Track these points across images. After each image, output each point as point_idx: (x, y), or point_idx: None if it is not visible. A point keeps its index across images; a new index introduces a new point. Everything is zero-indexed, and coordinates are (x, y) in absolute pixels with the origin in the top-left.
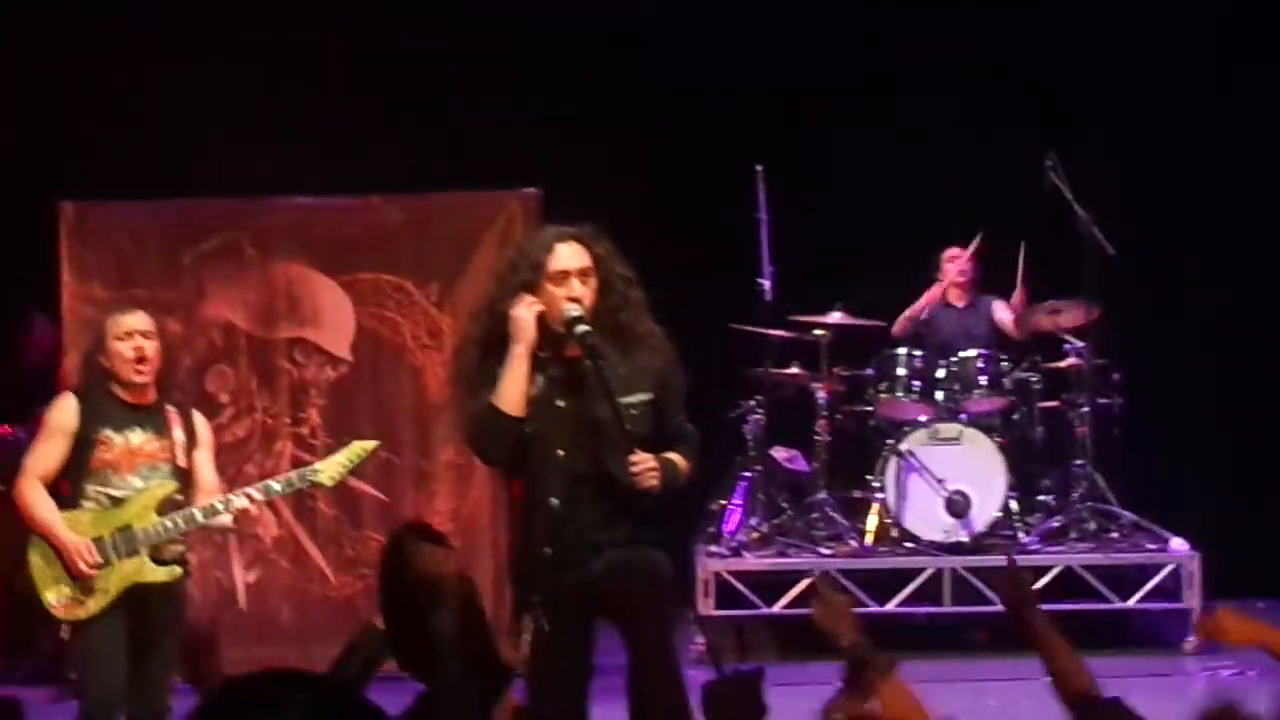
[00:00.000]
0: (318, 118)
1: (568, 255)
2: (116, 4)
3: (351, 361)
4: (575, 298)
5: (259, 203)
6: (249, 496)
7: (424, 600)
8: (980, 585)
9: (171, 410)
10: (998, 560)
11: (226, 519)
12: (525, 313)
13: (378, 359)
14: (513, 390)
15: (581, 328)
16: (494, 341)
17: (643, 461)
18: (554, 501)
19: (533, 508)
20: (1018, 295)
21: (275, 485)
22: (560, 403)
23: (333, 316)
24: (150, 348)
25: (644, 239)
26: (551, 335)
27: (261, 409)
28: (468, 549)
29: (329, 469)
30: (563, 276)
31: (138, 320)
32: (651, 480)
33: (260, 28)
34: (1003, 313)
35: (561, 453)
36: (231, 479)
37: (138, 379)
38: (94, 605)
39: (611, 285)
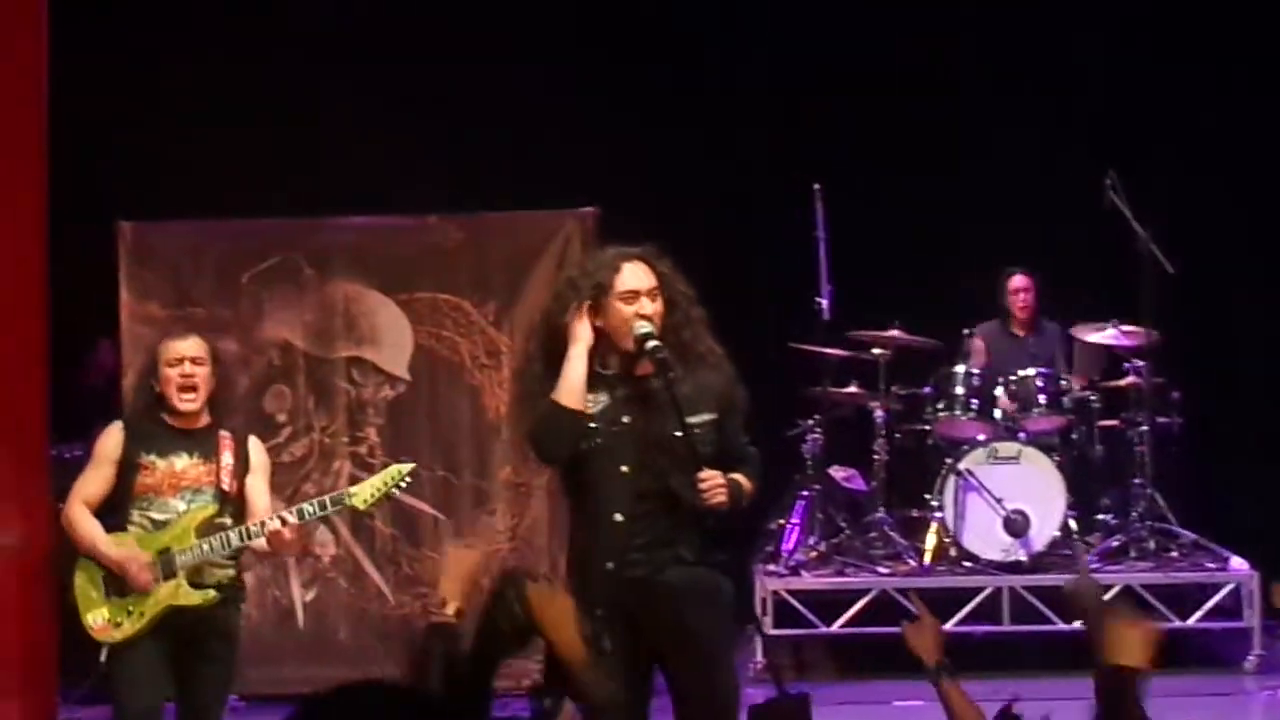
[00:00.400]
0: (375, 137)
1: (635, 275)
2: (176, 26)
3: (409, 381)
4: (646, 316)
5: (316, 222)
6: (282, 519)
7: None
8: (1039, 604)
9: (225, 435)
10: (1057, 579)
11: (260, 541)
12: (584, 324)
13: (435, 378)
14: (572, 384)
15: (654, 343)
16: (553, 359)
17: (711, 479)
18: (618, 517)
19: (596, 523)
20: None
21: (308, 508)
22: (625, 419)
23: (391, 336)
24: (200, 374)
25: (702, 258)
26: (617, 353)
27: (319, 428)
28: (526, 564)
29: (362, 492)
30: (633, 296)
31: (189, 346)
32: (719, 498)
33: (319, 49)
34: (1062, 360)
35: (626, 469)
36: (289, 498)
37: (184, 406)
38: (130, 628)
39: (675, 304)
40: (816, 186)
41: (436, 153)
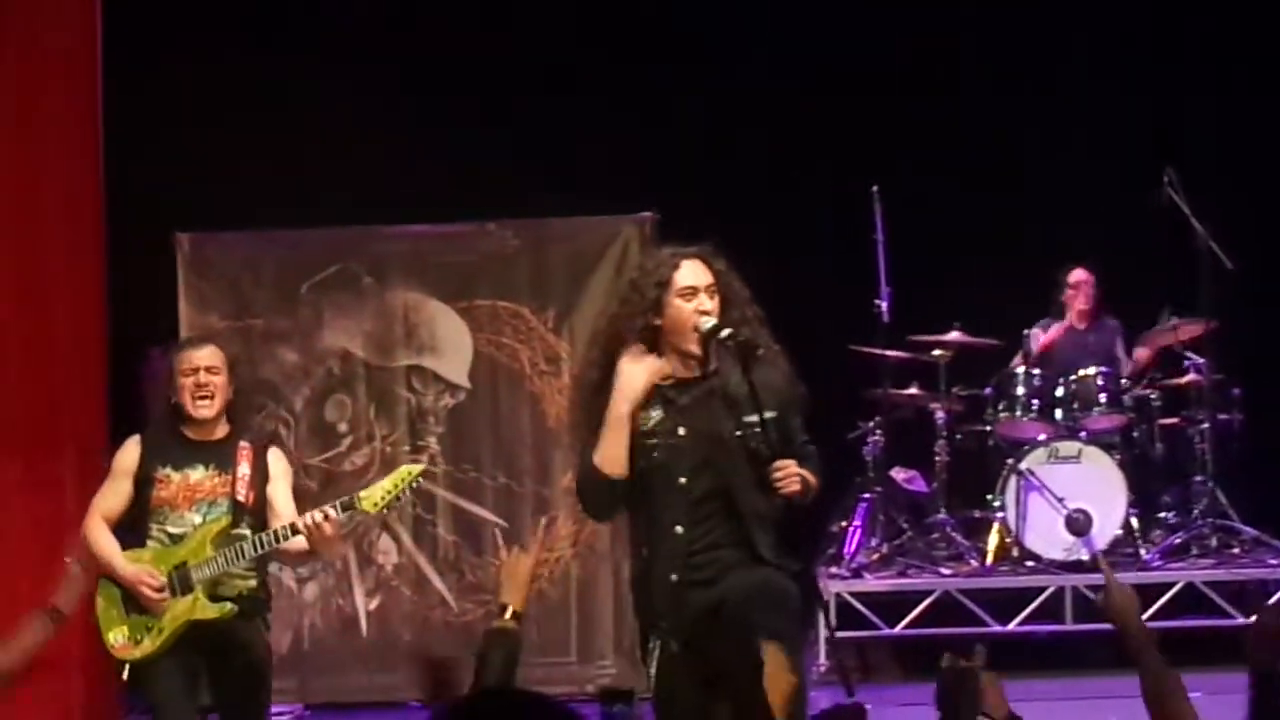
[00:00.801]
0: (433, 145)
1: (693, 272)
2: (233, 36)
3: (470, 388)
4: (707, 311)
5: (374, 231)
6: (294, 527)
7: None
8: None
9: (244, 446)
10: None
11: (298, 541)
12: (636, 367)
13: (496, 386)
14: (613, 452)
15: (727, 331)
16: (612, 367)
17: (785, 467)
18: (679, 529)
19: (657, 535)
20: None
21: (316, 515)
22: (681, 431)
23: (450, 344)
24: (216, 382)
25: (761, 261)
26: (677, 354)
27: (380, 437)
28: (587, 574)
29: (372, 495)
30: (692, 293)
31: (204, 355)
32: (794, 486)
33: (376, 58)
34: (1121, 351)
35: (684, 480)
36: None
37: (199, 413)
38: (150, 645)
39: (731, 301)
40: (874, 189)
41: (495, 159)
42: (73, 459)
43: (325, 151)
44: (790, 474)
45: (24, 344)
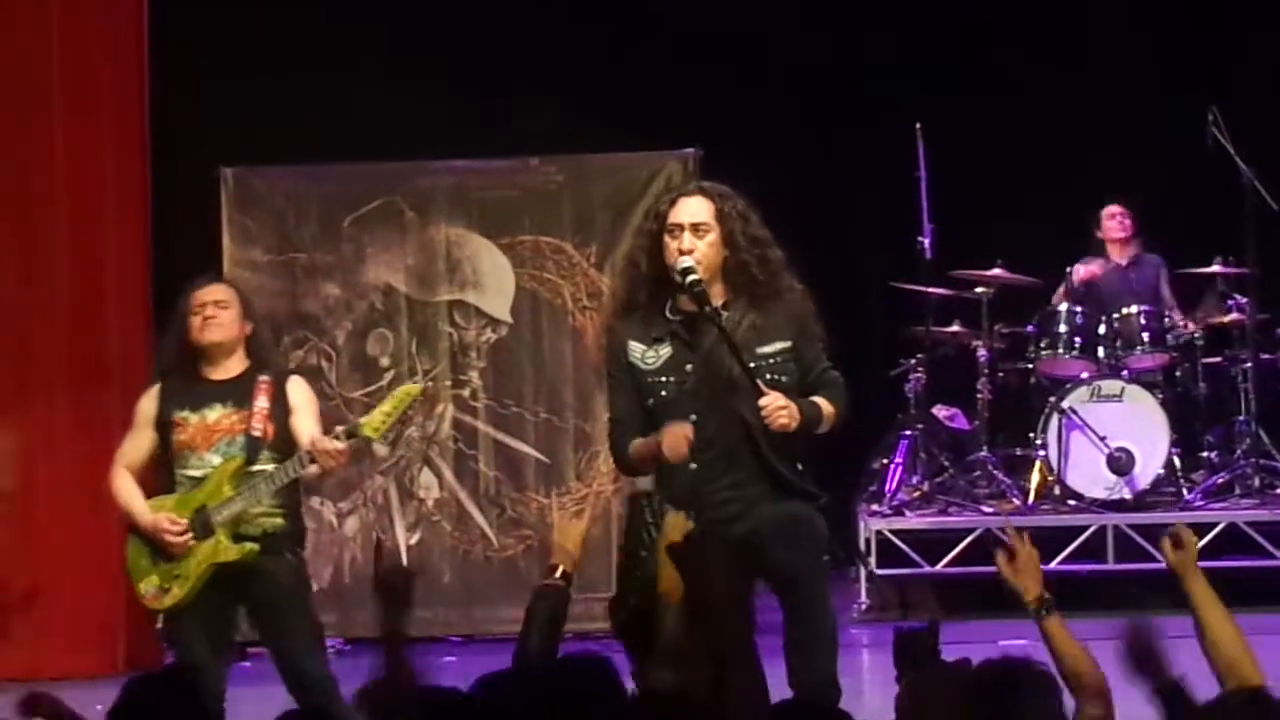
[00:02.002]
0: (476, 79)
1: (685, 208)
2: None
3: (512, 323)
4: (685, 250)
5: (418, 166)
6: (307, 456)
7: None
8: (1143, 542)
9: (263, 380)
10: (1162, 517)
11: (312, 469)
12: (678, 445)
13: (538, 321)
14: (647, 466)
15: (692, 277)
16: (634, 301)
17: (770, 402)
18: (692, 466)
19: (671, 473)
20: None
21: (321, 442)
22: (688, 367)
23: (493, 279)
24: (224, 316)
25: (804, 199)
26: (681, 291)
27: (422, 372)
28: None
29: (373, 420)
30: (677, 230)
31: (209, 292)
32: (782, 420)
33: None
34: (1166, 289)
35: (695, 416)
36: (392, 442)
37: (205, 337)
38: (178, 592)
39: (735, 242)
40: (918, 126)
41: (538, 94)
42: (119, 399)
43: (369, 86)
44: (775, 408)
45: (72, 285)
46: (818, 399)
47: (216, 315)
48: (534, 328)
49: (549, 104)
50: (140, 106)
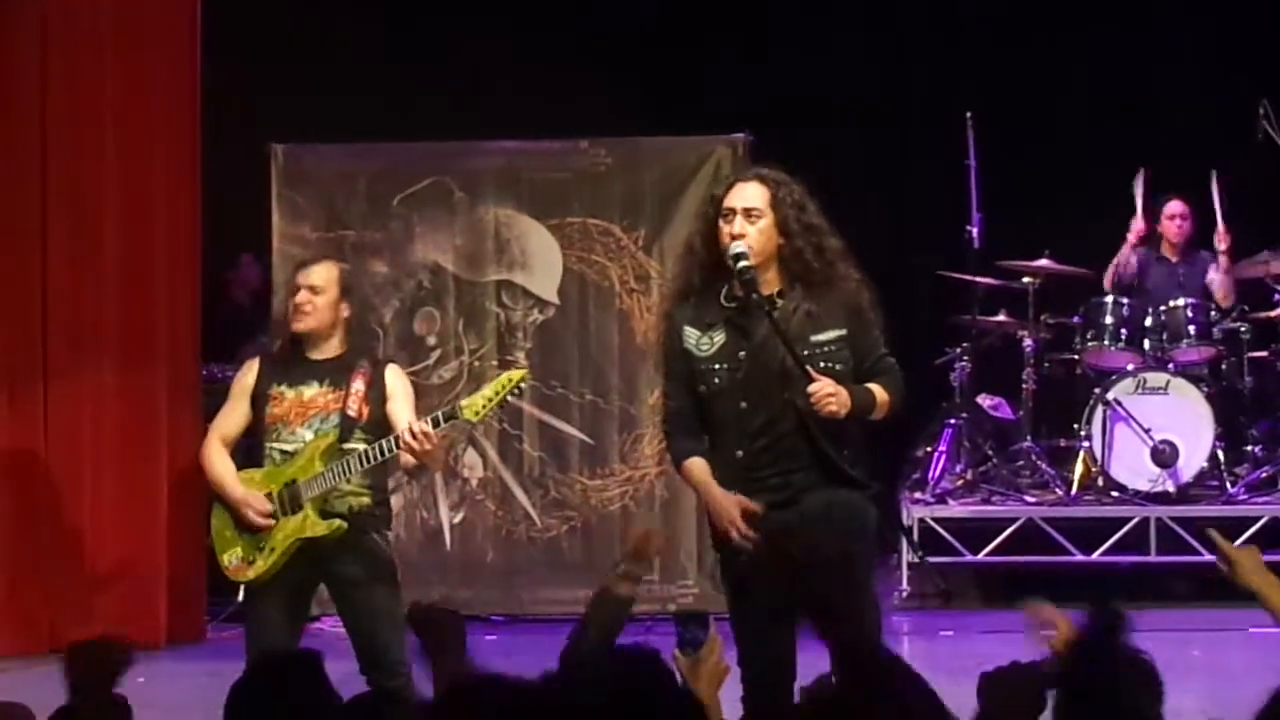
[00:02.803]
0: (528, 60)
1: (740, 193)
2: None
3: (559, 305)
4: (737, 235)
5: (467, 146)
6: (399, 439)
7: None
8: (1186, 535)
9: (362, 364)
10: (1205, 510)
11: (405, 458)
12: (725, 528)
13: (585, 302)
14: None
15: (743, 264)
16: (690, 286)
17: (819, 389)
18: (739, 454)
19: (720, 460)
20: (1221, 234)
21: (415, 426)
22: (741, 354)
23: (541, 260)
24: (317, 302)
25: (853, 186)
26: (730, 278)
27: (469, 351)
28: (671, 494)
29: (474, 404)
30: (730, 214)
31: (309, 274)
32: (831, 407)
33: None
34: (1214, 273)
35: (745, 404)
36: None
37: (294, 326)
38: (263, 564)
39: (789, 228)
40: (968, 115)
41: (589, 76)
42: (165, 368)
43: (420, 65)
44: (823, 395)
45: (122, 255)
46: (871, 386)
47: (308, 302)
48: (581, 309)
49: (600, 86)
50: (192, 82)
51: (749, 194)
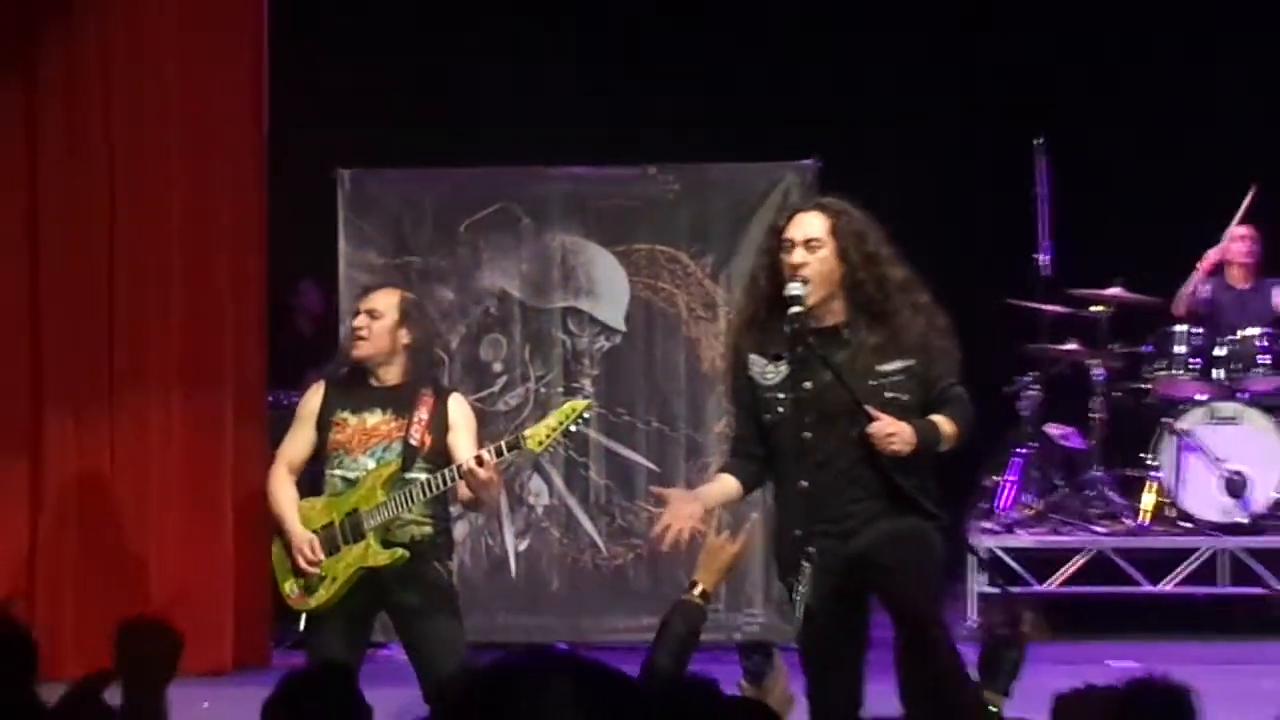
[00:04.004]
0: (596, 86)
1: (798, 224)
2: None
3: (625, 332)
4: (797, 265)
5: (534, 171)
6: (460, 469)
7: None
8: (1257, 567)
9: (426, 393)
10: (1276, 541)
11: (463, 490)
12: (686, 523)
13: (651, 330)
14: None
15: (795, 309)
16: (756, 316)
17: (879, 430)
18: (803, 484)
19: (783, 490)
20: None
21: (471, 460)
22: (807, 384)
23: (607, 287)
24: (375, 327)
25: (923, 213)
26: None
27: (535, 378)
28: (738, 521)
29: (537, 434)
30: (790, 245)
31: (371, 299)
32: (893, 446)
33: None
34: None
35: (809, 435)
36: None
37: (352, 354)
38: (324, 594)
39: (849, 259)
40: (1038, 141)
41: (657, 103)
42: (232, 397)
43: (487, 90)
44: (884, 435)
45: (187, 282)
46: (938, 417)
47: (365, 327)
48: (647, 337)
49: (668, 112)
50: (259, 106)
51: (809, 224)
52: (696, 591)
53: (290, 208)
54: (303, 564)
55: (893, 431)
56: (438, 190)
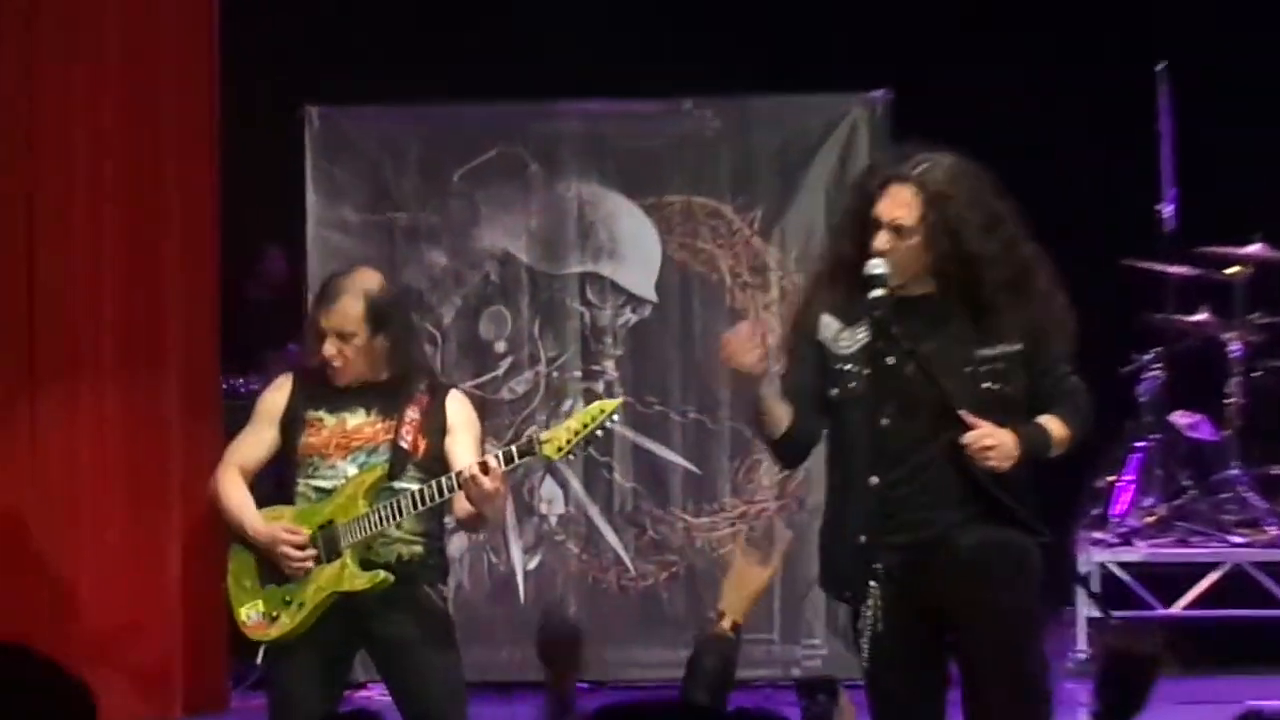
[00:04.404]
0: (615, 5)
1: (889, 200)
2: None
3: (656, 302)
4: (880, 250)
5: (544, 108)
6: (459, 477)
7: None
8: None
9: (419, 390)
10: None
11: (462, 504)
12: (745, 361)
13: (688, 299)
14: (761, 421)
15: (876, 292)
16: (836, 276)
17: (978, 438)
18: (873, 480)
19: (848, 485)
20: None
21: (490, 460)
22: (891, 360)
23: (634, 248)
24: (349, 350)
25: (1012, 156)
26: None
27: (546, 360)
28: (795, 534)
29: (556, 438)
30: (875, 225)
31: (335, 316)
32: (990, 461)
33: None
34: None
35: (886, 421)
36: (509, 444)
37: (333, 382)
38: (289, 622)
39: (940, 250)
40: (1159, 67)
41: (692, 23)
42: (178, 382)
43: (485, 12)
44: (980, 446)
45: (124, 243)
46: (1048, 420)
47: (340, 355)
48: (683, 308)
49: (705, 36)
50: (209, 33)
51: (899, 204)
52: (726, 623)
53: (249, 155)
54: (290, 554)
55: (991, 444)
56: (426, 131)
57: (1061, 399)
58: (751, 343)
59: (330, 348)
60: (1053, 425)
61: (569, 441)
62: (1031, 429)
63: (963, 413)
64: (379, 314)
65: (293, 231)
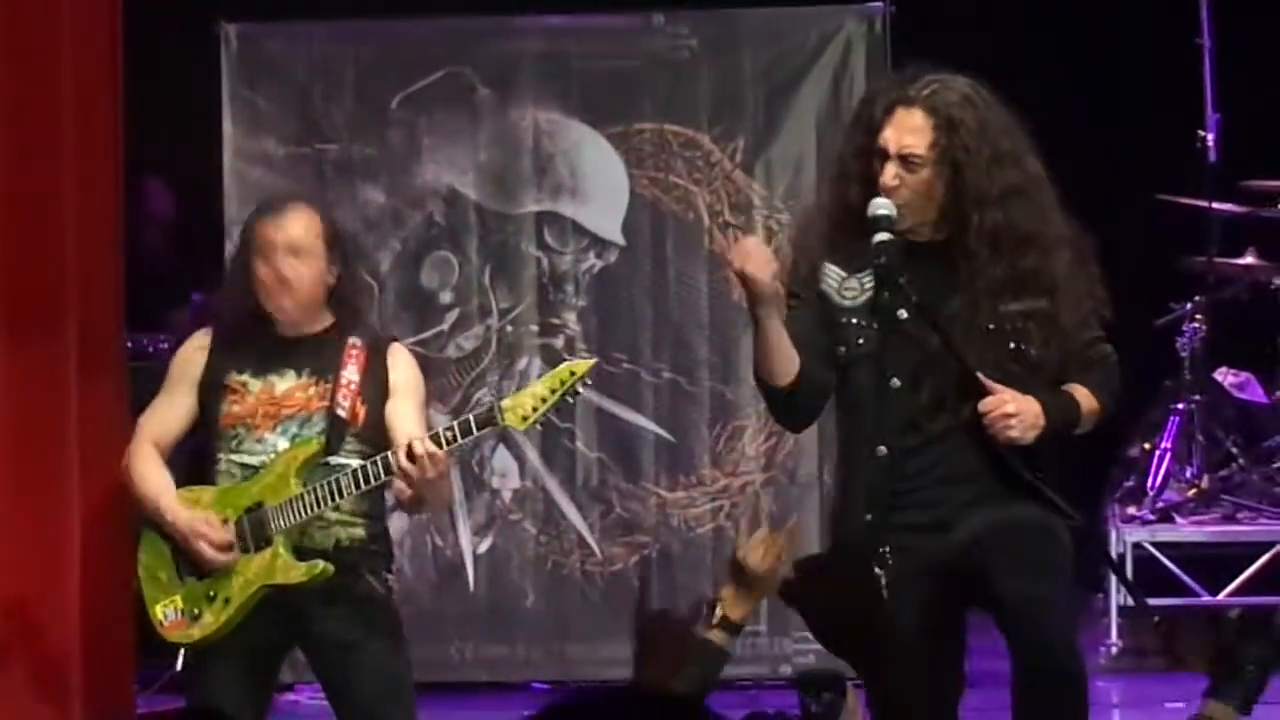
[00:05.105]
0: None
1: (896, 126)
2: None
3: (624, 246)
4: (888, 185)
5: (494, 23)
6: (409, 451)
7: None
8: None
9: (354, 344)
10: None
11: (403, 482)
12: (761, 272)
13: (661, 243)
14: (767, 361)
15: (881, 237)
16: (836, 217)
17: (997, 407)
18: (882, 450)
19: (855, 456)
20: None
21: (445, 433)
22: (904, 313)
23: (598, 183)
24: (304, 271)
25: (1030, 76)
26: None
27: (499, 312)
28: (784, 510)
29: (520, 405)
30: (881, 156)
31: (283, 230)
32: (1011, 433)
33: None
34: None
35: (898, 382)
36: (456, 409)
37: (273, 310)
38: (212, 621)
39: (955, 189)
40: None
41: None
42: (75, 341)
43: None
44: (999, 415)
45: (10, 182)
46: (1074, 389)
47: (291, 275)
48: (656, 252)
49: None
50: None
51: (909, 130)
52: (717, 618)
53: (152, 79)
54: (210, 552)
55: (1012, 412)
56: (361, 50)
57: (1090, 369)
58: (767, 253)
59: (282, 260)
60: (1081, 396)
61: (535, 410)
62: (1059, 397)
63: (980, 376)
64: (332, 234)
65: (207, 167)
